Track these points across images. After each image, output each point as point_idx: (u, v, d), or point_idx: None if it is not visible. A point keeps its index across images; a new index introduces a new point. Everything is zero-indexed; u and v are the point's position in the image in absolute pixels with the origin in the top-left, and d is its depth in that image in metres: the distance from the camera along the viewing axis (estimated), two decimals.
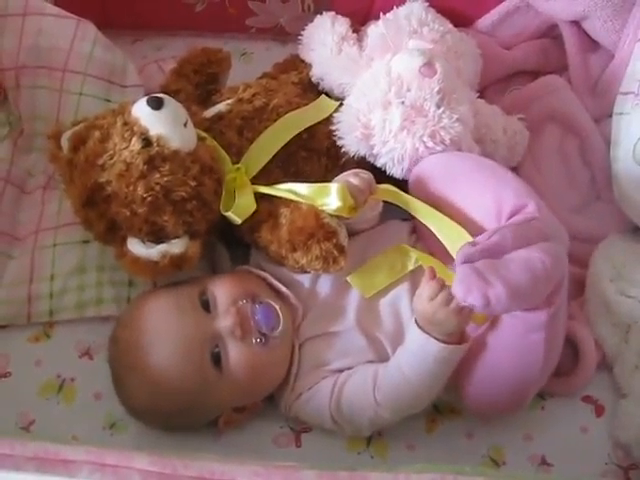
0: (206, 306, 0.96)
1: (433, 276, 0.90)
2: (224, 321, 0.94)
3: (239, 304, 0.95)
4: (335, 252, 0.94)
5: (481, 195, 0.96)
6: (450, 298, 0.87)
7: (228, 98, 1.10)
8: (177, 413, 0.96)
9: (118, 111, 0.99)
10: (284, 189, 1.00)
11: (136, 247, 0.97)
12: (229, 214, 0.99)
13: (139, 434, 1.00)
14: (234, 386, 0.95)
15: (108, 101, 1.13)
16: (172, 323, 0.95)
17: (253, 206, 1.00)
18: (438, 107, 1.01)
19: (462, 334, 0.91)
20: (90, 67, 1.14)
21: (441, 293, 0.88)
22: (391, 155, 1.02)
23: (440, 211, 0.97)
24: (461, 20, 1.23)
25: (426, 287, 0.90)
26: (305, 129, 1.07)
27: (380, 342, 0.98)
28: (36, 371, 1.05)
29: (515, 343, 0.91)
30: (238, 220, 0.99)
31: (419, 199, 1.00)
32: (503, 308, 0.85)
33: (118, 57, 1.17)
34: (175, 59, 1.18)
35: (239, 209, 1.00)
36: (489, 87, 1.25)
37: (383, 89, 1.03)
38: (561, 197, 1.14)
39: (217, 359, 0.94)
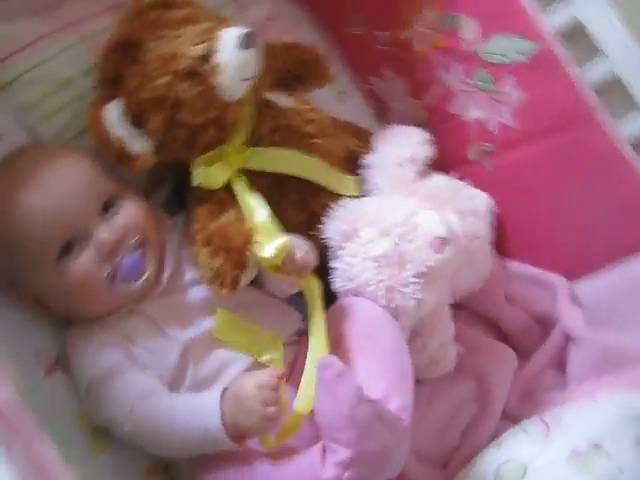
0: (106, 208, 0.93)
1: (280, 376, 0.86)
2: (105, 232, 0.91)
3: (129, 235, 0.92)
4: (228, 279, 0.92)
5: (377, 377, 0.90)
6: (273, 403, 0.83)
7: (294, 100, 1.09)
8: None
9: (219, 18, 0.98)
10: (250, 200, 0.98)
11: (112, 113, 0.94)
12: (197, 171, 0.97)
13: None
14: (57, 283, 0.91)
15: None
16: (65, 181, 0.92)
17: (217, 184, 0.98)
18: (416, 277, 1.00)
19: (242, 438, 0.86)
20: None
21: (271, 392, 0.84)
22: (347, 268, 1.00)
23: (336, 348, 0.93)
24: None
25: (266, 376, 0.85)
26: (315, 183, 1.05)
27: (184, 377, 0.93)
28: None
29: None
30: (196, 182, 0.97)
31: (328, 319, 0.96)
32: None
33: None
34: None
35: (207, 176, 0.98)
36: (466, 308, 1.23)
37: (396, 221, 1.01)
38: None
39: (64, 253, 0.90)
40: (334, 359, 0.85)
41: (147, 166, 0.96)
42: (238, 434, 0.85)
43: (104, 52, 0.97)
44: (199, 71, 0.92)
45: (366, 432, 0.80)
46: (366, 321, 0.96)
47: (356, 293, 1.00)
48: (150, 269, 0.95)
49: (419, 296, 0.99)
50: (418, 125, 1.20)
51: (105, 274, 0.91)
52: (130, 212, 0.95)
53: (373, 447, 0.81)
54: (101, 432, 0.94)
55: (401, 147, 1.14)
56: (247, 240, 0.93)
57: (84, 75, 1.01)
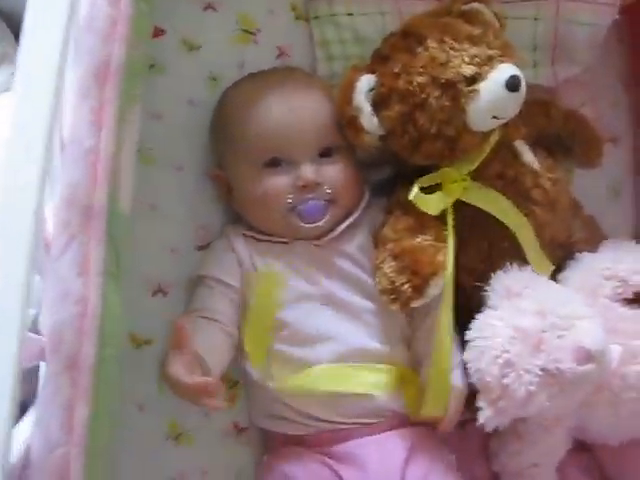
0: (322, 154, 1.01)
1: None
2: (310, 172, 0.99)
3: (325, 186, 1.00)
4: (403, 299, 0.95)
5: None
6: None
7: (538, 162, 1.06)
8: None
9: (505, 49, 0.99)
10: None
11: (364, 84, 1.00)
12: (416, 189, 0.99)
13: None
14: (252, 184, 1.01)
15: None
16: (309, 109, 1.01)
17: (433, 211, 0.99)
18: (542, 370, 0.92)
19: None
20: None
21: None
22: (487, 326, 0.96)
23: None
24: None
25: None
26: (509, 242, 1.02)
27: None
28: None
29: None
30: (411, 196, 0.98)
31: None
32: None
33: None
34: None
35: (426, 201, 0.99)
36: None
37: (558, 310, 0.94)
38: None
39: (271, 165, 1.00)
40: None
41: (369, 144, 1.02)
42: None
43: (392, 31, 1.04)
44: (458, 87, 0.95)
45: None
46: None
47: (482, 350, 0.96)
48: (325, 223, 1.01)
49: (532, 389, 0.92)
50: None
51: (289, 201, 1.00)
52: (337, 171, 1.01)
53: None
54: None
55: (621, 263, 1.07)
56: (434, 272, 0.95)
57: (377, 41, 1.08)
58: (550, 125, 1.11)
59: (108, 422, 0.70)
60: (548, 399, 0.93)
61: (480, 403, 0.93)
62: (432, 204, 0.99)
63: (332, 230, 1.03)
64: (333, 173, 1.01)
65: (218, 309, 1.00)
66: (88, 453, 0.65)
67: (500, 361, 0.93)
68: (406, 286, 0.95)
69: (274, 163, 1.00)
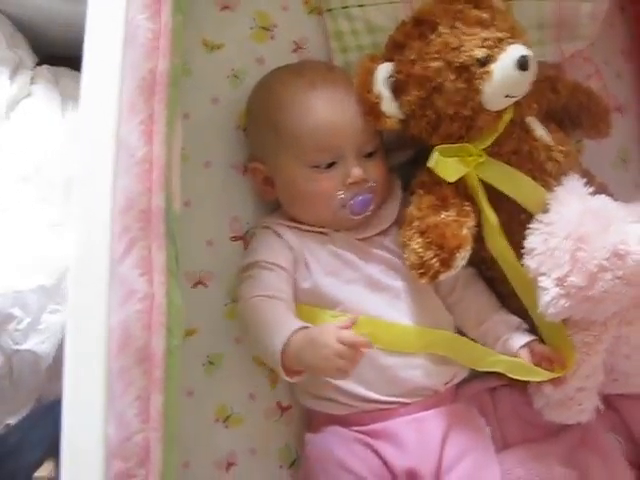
0: (367, 155, 1.07)
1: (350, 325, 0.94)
2: (358, 171, 1.04)
3: (370, 181, 1.06)
4: (431, 272, 1.00)
5: None
6: (347, 358, 0.90)
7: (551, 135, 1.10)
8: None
9: (514, 31, 1.03)
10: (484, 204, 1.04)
11: (382, 72, 1.05)
12: (435, 155, 1.04)
13: None
14: (302, 182, 1.05)
15: None
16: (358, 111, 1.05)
17: (450, 177, 1.04)
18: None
19: (299, 372, 0.95)
20: None
21: (349, 350, 0.90)
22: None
23: None
24: None
25: (350, 337, 0.91)
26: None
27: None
28: None
29: None
30: (431, 163, 1.04)
31: None
32: None
33: None
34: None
35: (444, 166, 1.03)
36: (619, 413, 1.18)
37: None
38: None
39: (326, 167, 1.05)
40: None
41: (391, 128, 1.06)
42: (297, 367, 0.95)
43: (405, 19, 1.09)
44: (471, 70, 1.00)
45: None
46: None
47: (552, 230, 0.98)
48: (369, 212, 1.08)
49: (604, 263, 0.94)
50: None
51: (341, 197, 1.05)
52: (379, 167, 1.08)
53: None
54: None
55: None
56: (460, 245, 1.00)
57: (389, 30, 1.12)
58: (558, 100, 1.16)
59: (176, 408, 0.76)
60: (612, 279, 0.94)
61: (545, 283, 0.96)
62: (450, 169, 1.04)
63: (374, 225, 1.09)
64: (374, 168, 1.07)
65: (283, 288, 1.03)
66: (165, 439, 0.70)
67: (575, 236, 0.96)
68: (434, 260, 0.99)
69: (325, 164, 1.05)
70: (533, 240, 1.00)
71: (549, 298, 0.96)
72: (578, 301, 0.96)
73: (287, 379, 0.96)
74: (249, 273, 1.05)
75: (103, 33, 0.68)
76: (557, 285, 0.96)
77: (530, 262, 0.99)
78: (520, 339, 1.03)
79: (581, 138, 1.21)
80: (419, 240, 1.01)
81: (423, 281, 1.01)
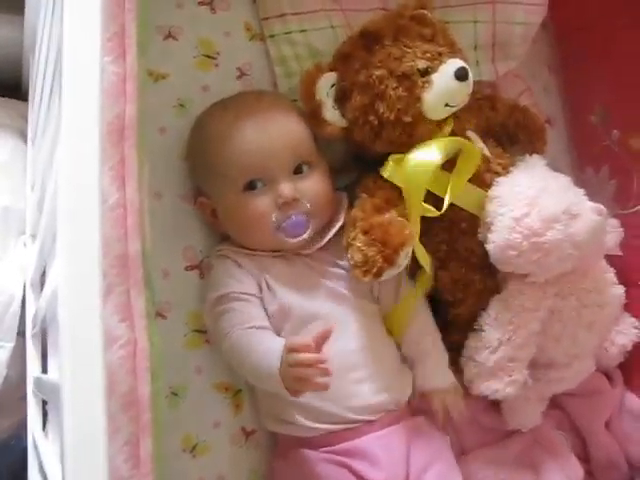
0: (297, 170, 1.07)
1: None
2: (288, 189, 1.04)
3: (305, 201, 1.05)
4: (374, 269, 1.00)
5: None
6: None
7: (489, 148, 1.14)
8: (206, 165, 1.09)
9: (453, 47, 1.10)
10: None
11: (326, 81, 1.08)
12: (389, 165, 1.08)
13: None
14: (235, 208, 1.06)
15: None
16: (282, 129, 1.06)
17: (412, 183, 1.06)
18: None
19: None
20: None
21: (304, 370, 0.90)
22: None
23: None
24: None
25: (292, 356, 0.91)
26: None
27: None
28: None
29: None
30: (386, 174, 1.08)
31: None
32: None
33: None
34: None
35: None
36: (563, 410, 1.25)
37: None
38: None
39: (249, 187, 1.05)
40: None
41: (333, 134, 1.10)
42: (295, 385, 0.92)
43: (352, 32, 1.13)
44: (413, 79, 1.06)
45: None
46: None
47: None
48: (307, 235, 1.07)
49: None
50: None
51: (273, 220, 1.05)
52: (314, 185, 1.07)
53: None
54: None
55: None
56: (404, 243, 1.01)
57: (332, 54, 1.15)
58: (497, 117, 1.21)
59: (160, 449, 0.76)
60: (562, 233, 1.02)
61: (501, 223, 1.03)
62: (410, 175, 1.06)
63: (319, 240, 1.09)
64: (309, 187, 1.06)
65: (262, 316, 1.04)
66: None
67: (538, 186, 1.05)
68: (377, 257, 1.00)
69: (252, 186, 1.05)
70: (497, 189, 1.08)
71: (502, 241, 1.02)
72: (528, 249, 1.02)
73: (294, 399, 0.94)
74: (224, 307, 1.03)
75: (79, 80, 0.67)
76: (514, 224, 1.02)
77: (490, 206, 1.06)
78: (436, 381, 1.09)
79: (518, 154, 1.25)
80: (363, 238, 1.02)
81: (366, 279, 1.01)
